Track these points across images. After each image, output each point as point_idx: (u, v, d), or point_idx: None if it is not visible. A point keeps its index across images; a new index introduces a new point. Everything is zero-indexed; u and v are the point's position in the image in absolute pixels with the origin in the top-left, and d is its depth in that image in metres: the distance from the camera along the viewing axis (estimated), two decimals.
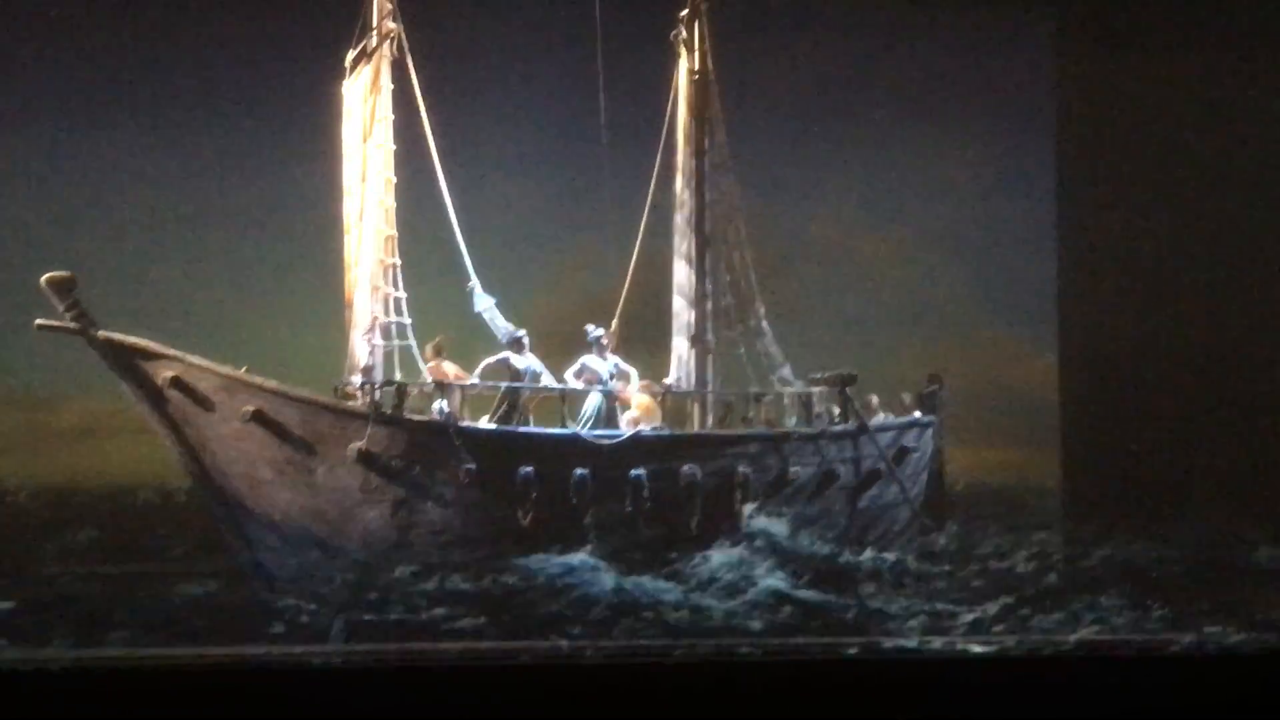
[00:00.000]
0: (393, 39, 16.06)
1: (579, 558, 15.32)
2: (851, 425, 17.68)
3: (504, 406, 15.95)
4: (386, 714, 9.89)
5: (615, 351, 17.12)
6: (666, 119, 18.24)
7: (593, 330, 16.97)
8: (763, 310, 18.10)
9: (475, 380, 16.03)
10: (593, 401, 16.53)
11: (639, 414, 16.69)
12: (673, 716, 9.91)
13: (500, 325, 16.31)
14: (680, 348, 18.12)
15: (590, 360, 16.81)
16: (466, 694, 10.40)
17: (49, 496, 16.95)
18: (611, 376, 16.79)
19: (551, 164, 18.95)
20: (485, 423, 15.90)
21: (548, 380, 16.32)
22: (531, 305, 17.67)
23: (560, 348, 16.86)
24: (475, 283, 16.30)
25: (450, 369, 15.94)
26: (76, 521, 17.08)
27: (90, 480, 17.04)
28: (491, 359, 16.22)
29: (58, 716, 9.74)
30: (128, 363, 14.38)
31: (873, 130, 20.14)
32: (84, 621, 13.30)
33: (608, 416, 16.46)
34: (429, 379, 15.61)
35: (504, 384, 16.05)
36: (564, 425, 15.97)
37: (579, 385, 16.65)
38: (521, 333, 16.30)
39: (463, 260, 16.16)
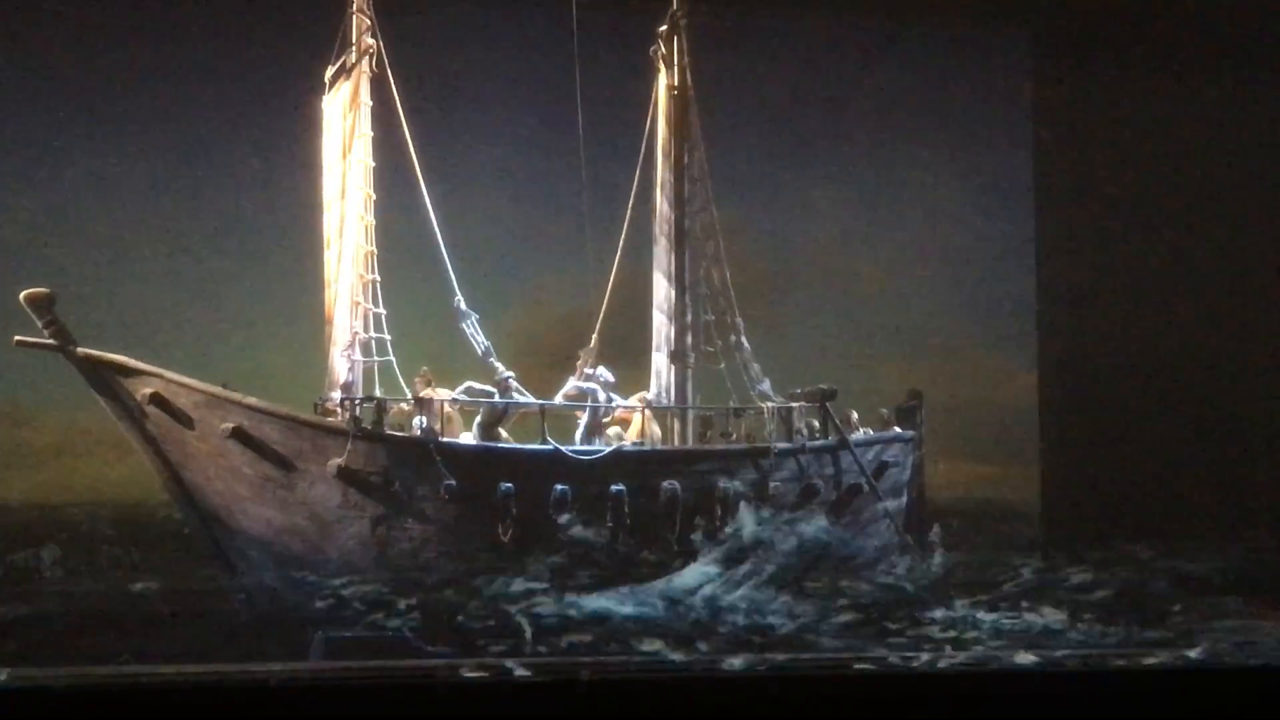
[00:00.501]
0: (372, 55, 16.07)
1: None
2: (832, 440, 17.71)
3: (485, 423, 15.94)
4: None
5: (595, 366, 17.20)
6: (645, 135, 18.26)
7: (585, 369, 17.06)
8: (742, 326, 18.12)
9: (458, 396, 15.98)
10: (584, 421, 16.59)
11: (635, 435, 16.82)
12: None
13: (480, 341, 16.30)
14: (660, 363, 18.14)
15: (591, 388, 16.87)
16: (448, 711, 10.37)
17: (26, 514, 16.83)
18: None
19: (530, 180, 18.93)
20: (465, 437, 15.90)
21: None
22: (510, 321, 17.67)
23: (540, 363, 16.86)
24: (460, 298, 16.30)
25: (445, 393, 15.90)
26: (52, 539, 16.97)
27: (65, 497, 16.93)
28: (477, 385, 16.17)
29: None
30: (107, 379, 14.34)
31: (851, 147, 20.18)
32: (59, 640, 13.26)
33: (592, 433, 16.50)
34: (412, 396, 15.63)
35: (493, 400, 16.02)
36: (544, 441, 15.95)
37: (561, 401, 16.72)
38: (510, 375, 16.24)
39: (446, 275, 16.16)
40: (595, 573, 15.37)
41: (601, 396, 16.85)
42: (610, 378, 17.14)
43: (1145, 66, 18.47)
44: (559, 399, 16.83)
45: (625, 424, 17.07)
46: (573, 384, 16.98)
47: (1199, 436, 18.44)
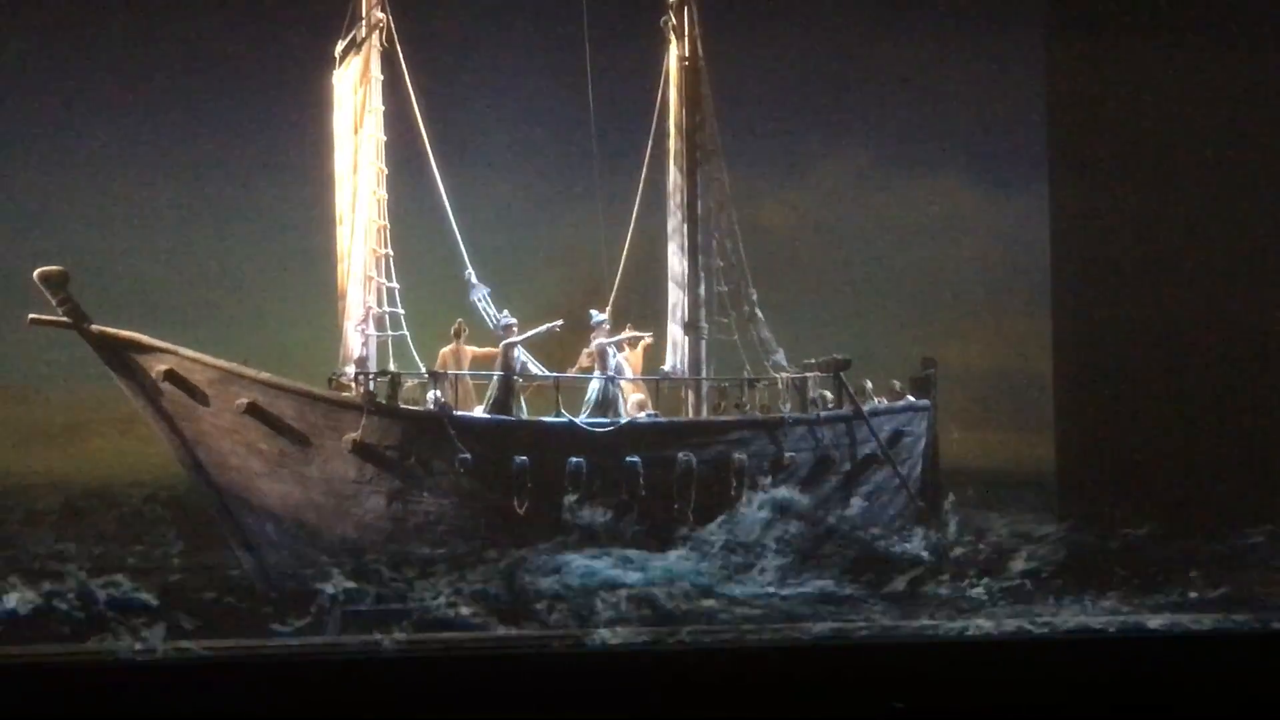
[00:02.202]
0: (382, 29, 16.07)
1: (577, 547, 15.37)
2: (846, 410, 17.68)
3: (498, 394, 15.94)
4: (380, 704, 9.91)
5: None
6: (657, 106, 18.20)
7: (596, 316, 16.95)
8: (756, 296, 18.08)
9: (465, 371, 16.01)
10: (594, 387, 16.52)
11: (642, 398, 16.77)
12: (682, 702, 9.93)
13: (492, 315, 16.32)
14: (675, 335, 18.13)
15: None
16: (464, 684, 10.43)
17: (39, 492, 16.90)
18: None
19: (542, 152, 18.88)
20: (480, 411, 15.90)
21: (535, 371, 16.32)
22: (524, 294, 17.62)
23: (555, 335, 16.83)
24: (470, 271, 16.31)
25: (470, 350, 15.97)
26: (67, 517, 17.05)
27: (80, 475, 16.98)
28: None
29: (63, 711, 9.76)
30: (121, 356, 14.39)
31: (864, 116, 20.11)
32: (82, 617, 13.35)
33: (605, 402, 16.43)
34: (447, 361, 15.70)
35: (496, 373, 16.03)
36: (559, 413, 15.95)
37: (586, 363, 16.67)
38: (513, 321, 16.25)
39: (457, 249, 16.18)
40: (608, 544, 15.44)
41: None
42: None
43: (1160, 36, 18.35)
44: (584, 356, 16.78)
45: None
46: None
47: (1214, 404, 18.39)
